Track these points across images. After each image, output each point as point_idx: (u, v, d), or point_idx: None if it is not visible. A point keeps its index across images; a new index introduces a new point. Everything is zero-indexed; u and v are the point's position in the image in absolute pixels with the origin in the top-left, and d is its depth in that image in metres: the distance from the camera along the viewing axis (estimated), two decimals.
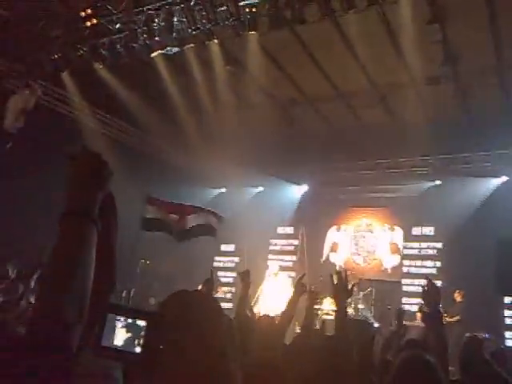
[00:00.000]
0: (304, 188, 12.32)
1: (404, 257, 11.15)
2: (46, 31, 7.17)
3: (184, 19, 6.50)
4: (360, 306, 9.32)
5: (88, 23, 6.98)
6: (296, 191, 12.38)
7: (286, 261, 12.16)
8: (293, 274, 11.26)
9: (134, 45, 6.94)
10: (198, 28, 6.50)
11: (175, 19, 6.53)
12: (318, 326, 8.53)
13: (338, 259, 11.89)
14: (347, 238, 12.00)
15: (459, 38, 7.24)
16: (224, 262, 12.90)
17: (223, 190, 13.06)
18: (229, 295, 11.88)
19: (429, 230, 10.97)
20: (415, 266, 10.90)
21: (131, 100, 8.65)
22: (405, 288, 10.78)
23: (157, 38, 6.77)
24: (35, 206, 7.77)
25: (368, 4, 5.82)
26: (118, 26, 6.93)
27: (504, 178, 10.12)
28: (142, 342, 1.03)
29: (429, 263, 10.76)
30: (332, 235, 12.17)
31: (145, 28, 6.72)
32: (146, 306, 9.34)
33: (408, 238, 11.23)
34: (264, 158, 10.06)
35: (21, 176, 7.51)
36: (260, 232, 11.59)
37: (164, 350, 1.14)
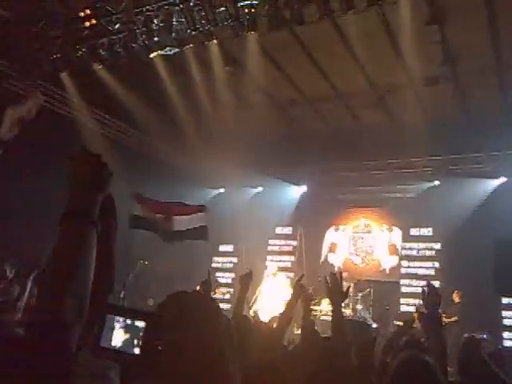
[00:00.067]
0: (303, 188, 12.32)
1: (402, 257, 11.16)
2: (45, 31, 7.16)
3: (183, 20, 6.50)
4: (358, 307, 9.33)
5: (87, 23, 6.98)
6: (295, 191, 12.38)
7: (285, 261, 12.17)
8: (291, 274, 11.26)
9: (133, 45, 6.94)
10: (197, 28, 6.50)
11: (174, 20, 6.53)
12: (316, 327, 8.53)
13: (337, 260, 11.90)
14: (345, 238, 12.01)
15: (458, 39, 7.25)
16: (222, 262, 12.90)
17: (222, 190, 13.06)
18: (227, 296, 11.87)
19: (427, 231, 10.99)
20: (413, 267, 10.92)
21: (130, 100, 8.64)
22: (403, 289, 10.79)
23: (156, 39, 6.76)
24: (33, 206, 7.76)
25: (367, 4, 5.83)
26: (117, 26, 6.93)
27: (503, 179, 10.13)
28: (140, 342, 1.03)
29: (427, 264, 10.78)
30: (330, 236, 12.18)
31: (144, 28, 6.72)
32: (145, 306, 9.34)
33: (406, 238, 11.24)
34: (263, 158, 10.07)
35: (19, 176, 7.50)
36: (258, 232, 11.59)
37: (162, 350, 1.14)
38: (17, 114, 1.11)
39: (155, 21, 6.62)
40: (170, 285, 9.22)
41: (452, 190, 10.01)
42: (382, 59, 7.92)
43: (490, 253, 6.24)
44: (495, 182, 10.18)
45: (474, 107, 9.23)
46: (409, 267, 10.99)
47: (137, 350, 1.03)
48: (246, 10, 6.24)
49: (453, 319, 8.43)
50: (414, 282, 10.59)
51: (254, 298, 8.77)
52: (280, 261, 11.94)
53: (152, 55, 7.20)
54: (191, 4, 6.36)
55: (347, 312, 8.85)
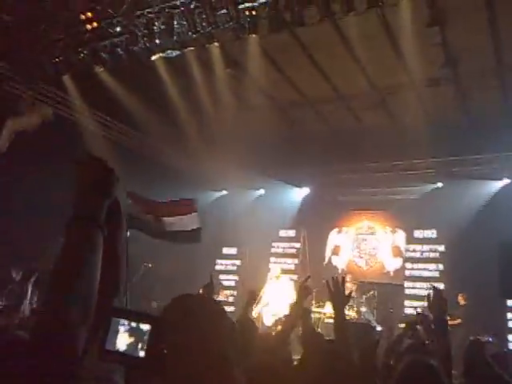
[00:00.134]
0: (305, 190, 12.31)
1: (406, 259, 11.13)
2: (46, 34, 7.18)
3: (184, 22, 6.51)
4: (362, 309, 9.29)
5: (89, 26, 6.99)
6: (297, 194, 12.37)
7: (288, 264, 12.15)
8: (295, 276, 11.24)
9: (135, 48, 6.95)
10: (199, 31, 6.51)
11: (175, 22, 6.54)
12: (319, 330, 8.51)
13: (340, 262, 11.87)
14: (349, 240, 11.98)
15: (459, 41, 7.25)
16: (226, 264, 12.88)
17: (224, 192, 13.05)
18: (231, 298, 11.86)
19: (431, 233, 10.96)
20: (418, 269, 10.88)
21: (132, 103, 8.66)
22: (407, 291, 10.76)
23: (157, 41, 6.78)
24: (35, 208, 7.77)
25: (368, 6, 5.82)
26: (118, 29, 6.94)
27: (506, 181, 10.12)
28: (145, 346, 1.03)
29: (431, 266, 10.74)
30: (334, 238, 12.16)
31: (145, 31, 6.73)
32: (148, 308, 9.32)
33: (410, 240, 11.21)
34: (265, 160, 10.07)
35: (21, 178, 7.51)
36: (262, 235, 11.58)
37: (167, 353, 1.14)
38: (16, 126, 1.12)
39: (156, 23, 6.63)
40: (174, 287, 9.21)
41: (456, 192, 9.98)
42: (382, 61, 7.92)
43: (494, 255, 6.21)
44: (498, 184, 10.16)
45: (475, 109, 9.22)
46: (413, 269, 10.95)
47: (141, 353, 1.02)
48: (247, 13, 6.25)
49: (456, 322, 8.39)
50: (418, 285, 10.55)
51: (258, 300, 8.76)
52: (283, 263, 11.93)
53: (153, 58, 7.21)
54: (192, 7, 6.37)
55: (352, 314, 8.82)
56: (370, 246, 11.71)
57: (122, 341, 1.04)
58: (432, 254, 10.83)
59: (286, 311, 3.17)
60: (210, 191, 12.78)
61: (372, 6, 5.85)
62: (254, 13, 6.23)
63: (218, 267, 12.66)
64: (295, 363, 2.82)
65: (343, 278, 2.82)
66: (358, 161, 10.48)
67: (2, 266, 6.48)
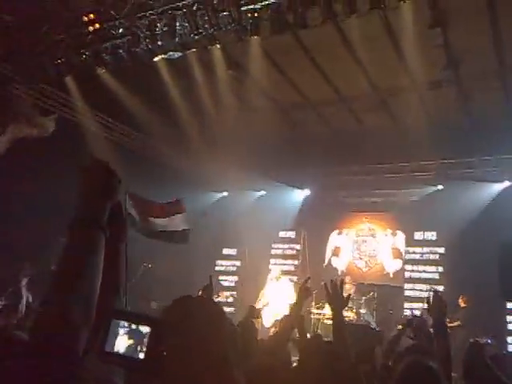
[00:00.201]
0: (306, 192, 12.31)
1: (406, 261, 11.12)
2: (48, 36, 7.20)
3: (186, 24, 6.52)
4: (362, 311, 9.29)
5: (91, 28, 7.01)
6: (298, 195, 12.38)
7: (288, 265, 12.15)
8: (295, 278, 11.24)
9: (137, 49, 6.96)
10: (201, 33, 6.52)
11: (178, 24, 6.55)
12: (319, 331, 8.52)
13: (340, 263, 11.87)
14: (349, 242, 11.99)
15: (461, 42, 7.25)
16: (226, 265, 12.89)
17: (225, 193, 13.07)
18: (230, 299, 11.86)
19: (431, 235, 10.95)
20: (417, 271, 10.88)
21: (134, 104, 8.67)
22: (407, 293, 10.75)
23: (159, 43, 6.79)
24: (36, 209, 7.78)
25: (370, 8, 5.83)
26: (120, 30, 6.96)
27: (507, 183, 10.11)
28: (144, 348, 1.03)
29: (431, 268, 10.74)
30: (334, 239, 12.16)
31: (147, 33, 6.74)
32: (148, 309, 9.33)
33: (410, 242, 11.21)
34: (266, 161, 10.08)
35: (22, 180, 7.53)
36: (262, 236, 11.58)
37: (166, 355, 1.14)
38: (17, 131, 1.13)
39: (158, 25, 6.64)
40: (173, 287, 9.21)
41: (456, 194, 9.98)
42: (384, 62, 7.92)
43: (494, 257, 6.20)
44: (499, 186, 10.16)
45: (477, 110, 9.22)
46: (413, 271, 10.95)
47: (141, 356, 1.03)
48: (249, 14, 6.25)
49: (455, 324, 8.39)
50: (418, 286, 10.55)
51: (258, 301, 8.76)
52: (283, 264, 11.93)
53: (155, 59, 7.23)
54: (194, 8, 6.38)
55: (351, 316, 8.81)
56: (370, 247, 11.71)
57: (122, 343, 1.04)
58: (432, 256, 10.83)
59: (286, 312, 3.18)
60: (211, 192, 12.80)
61: (374, 7, 5.85)
62: (256, 14, 6.23)
63: (217, 268, 12.67)
64: (294, 364, 2.83)
65: (342, 281, 2.83)
66: (360, 163, 10.49)
67: (2, 266, 6.49)
